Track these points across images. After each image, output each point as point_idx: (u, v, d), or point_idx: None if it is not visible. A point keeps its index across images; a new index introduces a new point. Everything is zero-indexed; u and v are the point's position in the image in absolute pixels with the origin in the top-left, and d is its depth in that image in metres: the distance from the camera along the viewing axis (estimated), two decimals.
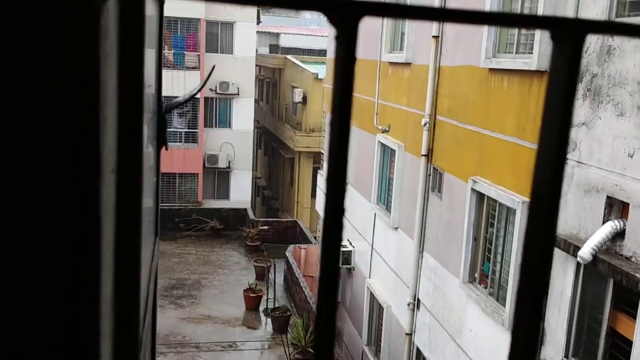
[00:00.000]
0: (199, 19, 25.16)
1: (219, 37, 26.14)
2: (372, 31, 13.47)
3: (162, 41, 2.09)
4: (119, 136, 0.73)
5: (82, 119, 0.53)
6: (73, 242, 0.56)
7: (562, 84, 0.47)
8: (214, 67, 3.15)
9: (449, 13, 0.49)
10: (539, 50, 7.44)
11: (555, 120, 0.48)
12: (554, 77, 0.48)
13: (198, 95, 24.76)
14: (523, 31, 8.20)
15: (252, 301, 17.36)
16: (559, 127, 0.48)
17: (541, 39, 7.43)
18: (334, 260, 0.46)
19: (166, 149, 1.76)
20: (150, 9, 1.49)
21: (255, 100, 28.81)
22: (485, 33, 8.72)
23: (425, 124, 10.56)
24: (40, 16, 0.50)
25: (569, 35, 0.47)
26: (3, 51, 0.50)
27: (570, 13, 6.91)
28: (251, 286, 17.66)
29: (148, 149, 1.53)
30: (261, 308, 17.41)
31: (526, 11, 8.12)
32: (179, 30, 25.30)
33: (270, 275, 18.19)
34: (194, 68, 25.16)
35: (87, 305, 0.59)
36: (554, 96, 0.48)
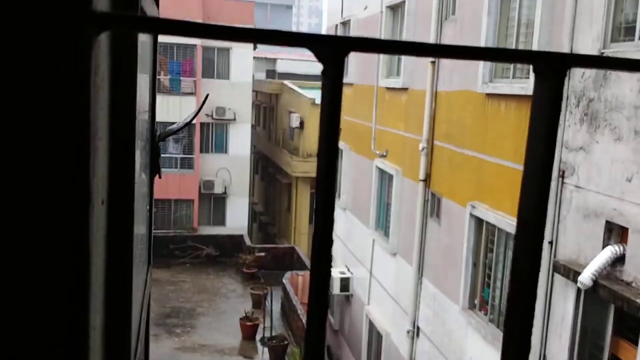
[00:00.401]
0: (195, 45, 25.35)
1: (215, 63, 26.32)
2: (368, 57, 13.57)
3: (156, 67, 2.07)
4: (110, 167, 0.69)
5: (72, 151, 0.52)
6: (61, 272, 0.55)
7: (544, 117, 0.48)
8: (207, 96, 3.16)
9: (433, 48, 0.50)
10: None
11: (539, 152, 0.49)
12: (537, 110, 0.49)
13: (194, 121, 24.82)
14: None
15: (249, 330, 17.15)
16: (542, 159, 0.49)
17: None
18: (324, 286, 0.46)
19: (159, 177, 1.72)
20: (143, 35, 1.46)
21: (252, 125, 28.89)
22: None
23: (422, 149, 10.57)
24: (32, 52, 0.50)
25: (550, 69, 0.48)
26: None
27: (565, 39, 6.96)
28: (247, 314, 17.46)
29: (141, 177, 1.48)
30: (258, 337, 17.19)
31: (522, 37, 8.19)
32: (175, 56, 25.48)
33: (267, 303, 18.00)
34: (190, 93, 25.26)
35: (75, 336, 0.57)
36: (536, 128, 0.49)
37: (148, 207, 1.68)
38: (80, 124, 0.52)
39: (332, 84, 0.44)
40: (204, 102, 2.73)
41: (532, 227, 0.49)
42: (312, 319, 0.46)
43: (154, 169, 1.69)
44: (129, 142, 0.78)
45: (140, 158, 1.47)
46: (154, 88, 2.09)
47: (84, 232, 0.54)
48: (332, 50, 0.44)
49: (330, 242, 0.46)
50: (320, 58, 0.44)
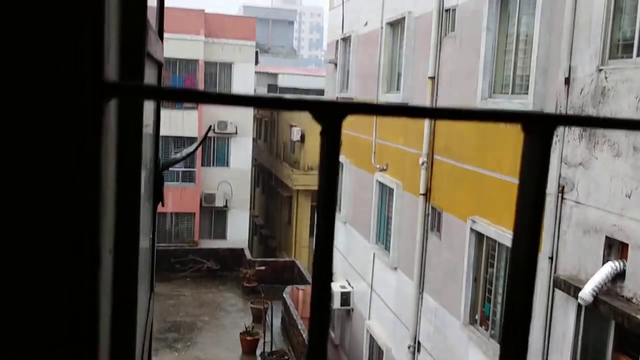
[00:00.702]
0: (198, 60, 25.50)
1: (217, 77, 26.47)
2: (369, 72, 13.65)
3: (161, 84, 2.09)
4: (117, 217, 0.72)
5: (82, 211, 0.55)
6: (70, 322, 0.56)
7: (534, 174, 0.50)
8: (210, 127, 3.22)
9: (428, 111, 0.53)
10: (535, 90, 7.53)
11: (529, 208, 0.50)
12: (526, 167, 0.50)
13: (196, 135, 24.90)
14: (518, 72, 8.31)
15: (249, 345, 17.08)
16: (531, 216, 0.50)
17: (536, 80, 7.53)
18: (325, 298, 0.48)
19: (162, 205, 1.75)
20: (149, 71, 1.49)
21: (254, 138, 28.97)
22: (480, 74, 8.83)
23: (422, 163, 10.60)
24: (46, 124, 0.52)
25: (539, 128, 0.50)
26: (11, 146, 0.51)
27: (564, 55, 7.02)
28: (248, 329, 17.40)
29: (145, 207, 1.52)
30: (258, 352, 17.12)
31: (521, 53, 8.25)
32: (177, 71, 25.63)
33: (267, 318, 17.95)
34: (192, 108, 25.37)
35: None
36: (526, 185, 0.50)
37: (151, 236, 1.71)
38: (92, 187, 0.54)
39: (330, 144, 0.47)
40: (207, 132, 2.78)
41: (523, 280, 0.50)
42: (314, 334, 0.47)
43: (157, 197, 1.72)
44: (135, 191, 0.81)
45: (144, 188, 1.50)
46: (159, 112, 2.10)
47: (93, 285, 0.56)
48: (330, 113, 0.47)
49: (330, 257, 0.48)
50: (319, 120, 0.47)
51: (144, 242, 1.49)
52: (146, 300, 1.62)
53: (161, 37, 1.75)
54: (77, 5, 0.52)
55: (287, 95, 0.52)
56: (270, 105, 0.49)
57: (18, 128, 0.51)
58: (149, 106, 1.51)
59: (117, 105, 0.71)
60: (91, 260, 0.56)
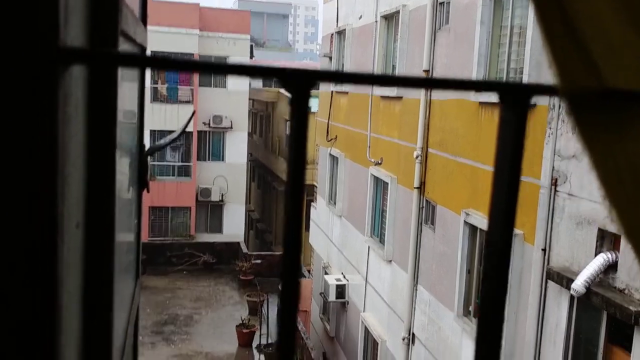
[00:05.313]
0: (193, 54, 25.42)
1: None
2: (363, 64, 13.64)
3: (145, 75, 2.09)
4: (88, 190, 0.72)
5: (37, 181, 0.53)
6: (26, 305, 0.53)
7: (510, 143, 0.50)
8: (194, 112, 3.22)
9: (394, 79, 0.52)
10: (528, 82, 7.51)
11: (505, 177, 0.50)
12: (502, 136, 0.50)
13: (191, 129, 24.86)
14: (512, 64, 8.31)
15: (245, 337, 17.14)
16: (508, 184, 0.50)
17: (530, 72, 7.53)
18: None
19: (147, 191, 1.75)
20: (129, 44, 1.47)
21: (249, 133, 28.91)
22: (475, 66, 8.83)
23: (417, 157, 10.61)
24: None
25: (514, 98, 0.50)
26: None
27: None
28: (244, 321, 17.45)
29: (129, 192, 1.52)
30: (254, 344, 17.17)
31: (514, 45, 8.25)
32: None
33: (263, 310, 18.00)
34: (188, 102, 25.32)
35: None
36: (502, 153, 0.50)
37: (136, 221, 1.71)
38: (47, 154, 0.52)
39: (299, 113, 0.47)
40: (190, 118, 2.79)
41: (498, 254, 0.51)
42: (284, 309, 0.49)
43: (142, 183, 1.72)
44: (108, 164, 0.81)
45: (127, 173, 1.50)
46: (143, 98, 2.08)
47: (52, 257, 0.54)
48: (299, 81, 0.47)
49: (299, 247, 0.49)
50: (287, 88, 0.48)
51: (128, 228, 1.49)
52: (132, 286, 1.62)
53: (144, 24, 1.74)
54: None
55: (256, 64, 0.52)
56: (235, 72, 0.49)
57: None
58: (131, 89, 1.51)
59: (86, 78, 0.70)
60: (48, 228, 0.55)
